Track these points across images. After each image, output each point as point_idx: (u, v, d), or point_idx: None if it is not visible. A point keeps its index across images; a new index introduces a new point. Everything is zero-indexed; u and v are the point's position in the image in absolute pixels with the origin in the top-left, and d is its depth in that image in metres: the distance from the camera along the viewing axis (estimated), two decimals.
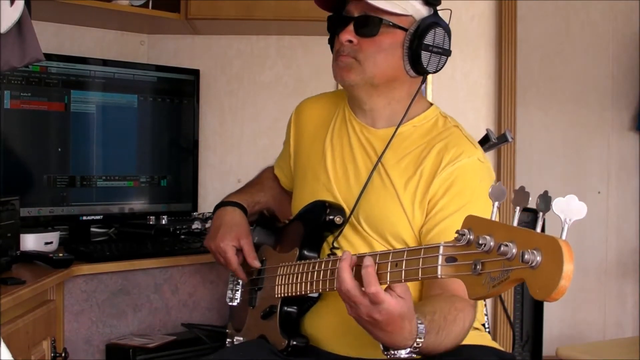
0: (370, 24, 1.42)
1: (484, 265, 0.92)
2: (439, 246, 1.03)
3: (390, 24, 1.42)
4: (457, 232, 0.98)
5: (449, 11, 1.48)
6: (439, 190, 1.39)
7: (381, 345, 1.19)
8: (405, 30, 1.43)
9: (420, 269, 1.06)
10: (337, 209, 1.47)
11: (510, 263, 0.87)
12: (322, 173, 1.54)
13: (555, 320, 3.33)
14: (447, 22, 1.47)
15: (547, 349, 2.90)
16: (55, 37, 2.46)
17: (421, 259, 1.06)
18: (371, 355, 1.41)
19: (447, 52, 1.47)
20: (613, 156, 3.55)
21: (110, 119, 2.29)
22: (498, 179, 2.71)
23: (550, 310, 3.08)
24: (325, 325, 1.47)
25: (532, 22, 3.36)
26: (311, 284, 1.36)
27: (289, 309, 1.48)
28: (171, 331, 2.12)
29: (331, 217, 1.45)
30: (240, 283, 1.68)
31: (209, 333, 2.05)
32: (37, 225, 2.10)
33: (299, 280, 1.40)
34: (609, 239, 3.54)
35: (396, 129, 1.46)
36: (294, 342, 1.44)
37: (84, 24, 2.53)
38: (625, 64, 3.53)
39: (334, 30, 1.49)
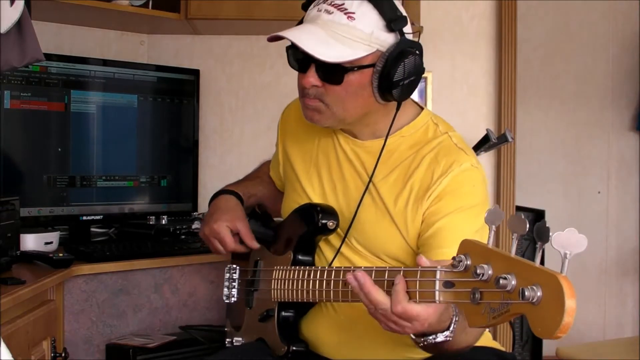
0: (334, 71, 1.30)
1: (483, 295, 0.91)
2: (435, 270, 1.01)
3: (355, 68, 1.30)
4: (453, 258, 0.96)
5: (419, 32, 1.37)
6: (432, 202, 1.34)
7: (412, 335, 1.15)
8: (372, 66, 1.31)
9: (417, 292, 1.05)
10: (329, 212, 1.44)
11: (510, 296, 0.86)
12: (310, 190, 1.50)
13: None
14: (418, 39, 1.36)
15: (547, 349, 2.90)
16: (55, 37, 2.46)
17: (418, 282, 1.05)
18: (370, 358, 1.41)
19: (420, 73, 1.35)
20: (613, 156, 3.55)
21: (110, 119, 2.29)
22: (498, 179, 2.71)
23: None
24: (323, 331, 1.46)
25: (532, 22, 3.37)
26: (307, 293, 1.35)
27: (286, 314, 1.47)
28: (171, 331, 2.12)
29: (324, 221, 1.43)
30: (236, 280, 1.67)
31: (207, 334, 2.05)
32: (37, 225, 2.09)
33: (295, 287, 1.39)
34: (609, 238, 3.54)
35: (384, 145, 1.39)
36: (294, 348, 1.44)
37: (84, 24, 2.53)
38: (625, 64, 3.53)
39: (293, 64, 1.37)
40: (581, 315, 3.32)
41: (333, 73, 1.31)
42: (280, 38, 1.32)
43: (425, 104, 2.79)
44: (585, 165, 3.54)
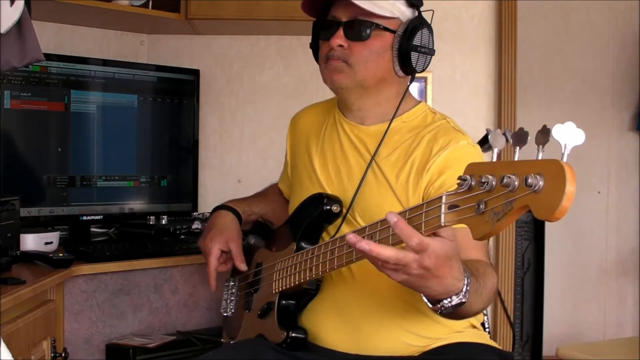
0: (361, 28, 1.44)
1: (487, 203, 0.93)
2: (441, 197, 1.03)
3: (381, 27, 1.44)
4: (459, 177, 0.98)
5: (432, 11, 1.50)
6: (433, 176, 1.40)
7: (429, 304, 1.17)
8: (393, 32, 1.45)
9: (423, 223, 1.06)
10: (334, 199, 1.48)
11: (513, 194, 0.88)
12: (316, 179, 1.55)
13: (555, 320, 3.33)
14: (430, 22, 1.50)
15: (547, 349, 2.90)
16: (55, 37, 2.46)
17: (424, 213, 1.06)
18: (369, 351, 1.42)
19: (432, 52, 1.50)
20: (613, 156, 3.55)
21: (110, 119, 2.29)
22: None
23: (550, 310, 3.08)
24: (323, 321, 1.47)
25: (532, 22, 3.36)
26: (310, 270, 1.37)
27: (286, 303, 1.49)
28: (171, 331, 2.12)
29: (328, 207, 1.47)
30: (235, 292, 1.69)
31: (203, 341, 2.04)
32: (37, 225, 2.10)
33: (296, 270, 1.41)
34: (609, 238, 3.54)
35: (389, 125, 1.48)
36: (294, 334, 1.45)
37: (84, 24, 2.53)
38: (625, 63, 3.53)
39: (320, 35, 1.51)
40: (581, 315, 3.32)
41: (360, 30, 1.44)
42: (315, 5, 1.48)
43: None
44: (585, 165, 3.53)
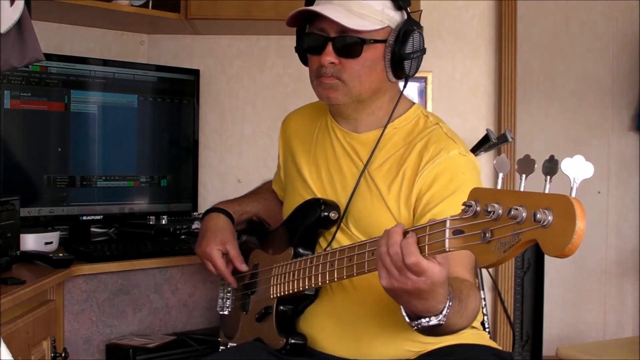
0: (352, 45, 1.39)
1: (493, 233, 0.92)
2: (445, 220, 1.02)
3: (372, 41, 1.40)
4: (463, 204, 0.97)
5: (420, 11, 1.47)
6: (422, 187, 1.39)
7: (407, 318, 1.17)
8: (384, 41, 1.42)
9: (426, 245, 1.06)
10: (331, 205, 1.47)
11: (520, 226, 0.87)
12: (310, 184, 1.54)
13: (555, 320, 3.33)
14: (419, 20, 1.46)
15: (547, 349, 2.90)
16: (55, 37, 2.46)
17: (427, 236, 1.06)
18: (369, 357, 1.41)
19: (424, 52, 1.46)
20: (613, 156, 3.55)
21: (110, 119, 2.29)
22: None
23: (550, 310, 3.07)
24: (321, 326, 1.47)
25: (532, 22, 3.36)
26: (309, 279, 1.36)
27: (284, 308, 1.48)
28: (171, 331, 2.13)
29: (326, 213, 1.45)
30: (231, 291, 1.69)
31: (200, 342, 2.04)
32: (37, 225, 2.10)
33: (295, 278, 1.40)
34: (609, 238, 3.53)
35: (380, 136, 1.45)
36: (293, 340, 1.44)
37: (84, 24, 2.53)
38: (625, 63, 3.53)
39: (306, 46, 1.47)
40: (581, 315, 3.32)
41: (351, 47, 1.40)
42: (300, 17, 1.42)
43: (425, 104, 2.79)
44: None
